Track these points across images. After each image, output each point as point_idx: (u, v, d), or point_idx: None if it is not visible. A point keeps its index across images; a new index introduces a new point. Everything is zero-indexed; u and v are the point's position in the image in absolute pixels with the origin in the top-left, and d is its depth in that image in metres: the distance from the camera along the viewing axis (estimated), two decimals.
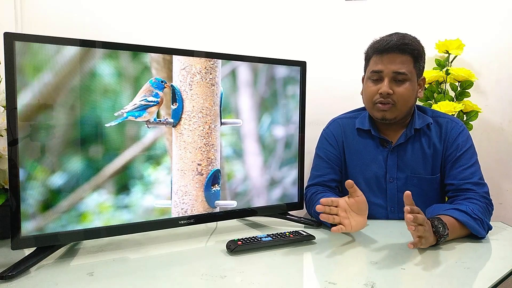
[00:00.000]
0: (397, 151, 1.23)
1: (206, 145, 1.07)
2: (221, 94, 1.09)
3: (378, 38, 1.19)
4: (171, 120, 1.03)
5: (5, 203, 0.97)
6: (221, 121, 1.10)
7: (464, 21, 1.60)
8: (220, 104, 1.09)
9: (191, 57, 1.04)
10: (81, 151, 0.91)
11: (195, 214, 1.07)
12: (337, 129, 1.31)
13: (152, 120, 0.99)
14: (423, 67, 1.21)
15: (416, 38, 1.18)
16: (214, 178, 1.09)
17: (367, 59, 1.23)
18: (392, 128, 1.24)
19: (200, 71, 1.05)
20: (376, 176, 1.24)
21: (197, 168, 1.06)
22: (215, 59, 1.07)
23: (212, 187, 1.09)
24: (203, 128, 1.06)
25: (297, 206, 1.26)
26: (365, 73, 1.25)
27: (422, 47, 1.19)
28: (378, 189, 1.24)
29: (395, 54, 1.14)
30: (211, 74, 1.06)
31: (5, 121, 0.88)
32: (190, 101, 1.04)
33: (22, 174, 0.84)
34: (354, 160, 1.28)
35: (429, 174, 1.22)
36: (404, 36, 1.16)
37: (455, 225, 1.01)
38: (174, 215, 1.05)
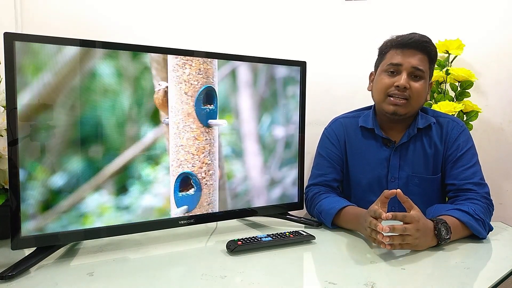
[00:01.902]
0: (400, 151, 1.23)
1: (175, 146, 1.04)
2: (199, 94, 1.04)
3: (395, 36, 1.20)
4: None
5: (5, 203, 0.97)
6: (207, 122, 1.07)
7: (464, 21, 1.60)
8: (199, 102, 1.05)
9: (169, 56, 1.02)
10: (81, 151, 0.91)
11: (195, 214, 1.07)
12: (339, 129, 1.31)
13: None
14: (433, 71, 1.23)
15: (433, 42, 1.20)
16: (183, 182, 1.05)
17: (383, 53, 1.23)
18: (395, 128, 1.24)
19: (168, 69, 1.03)
20: (378, 176, 1.24)
21: (169, 169, 1.05)
22: (182, 56, 1.03)
23: (181, 191, 1.05)
24: (172, 128, 1.04)
25: (297, 206, 1.26)
26: (375, 69, 1.26)
27: (437, 51, 1.21)
28: (379, 189, 1.24)
29: (416, 51, 1.16)
30: (177, 71, 1.03)
31: (5, 121, 0.88)
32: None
33: (22, 174, 0.84)
34: (356, 159, 1.28)
35: (430, 174, 1.21)
36: (424, 35, 1.18)
37: (458, 226, 1.01)
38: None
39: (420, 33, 1.19)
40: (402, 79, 1.15)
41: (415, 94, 1.16)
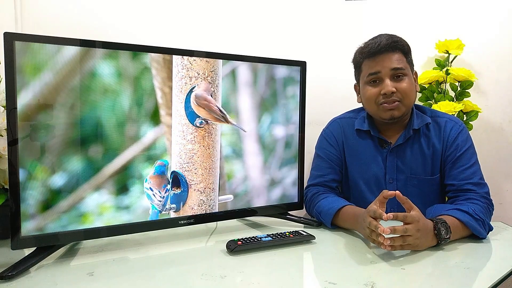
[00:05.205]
0: (396, 152, 1.22)
1: None
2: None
3: (363, 44, 1.20)
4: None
5: (5, 203, 0.97)
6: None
7: (464, 21, 1.60)
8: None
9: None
10: (81, 151, 0.91)
11: (195, 214, 1.07)
12: (337, 129, 1.31)
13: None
14: (413, 62, 1.23)
15: (400, 36, 1.20)
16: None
17: (358, 66, 1.24)
18: (391, 129, 1.24)
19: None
20: (375, 177, 1.24)
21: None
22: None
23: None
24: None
25: (297, 206, 1.26)
26: (357, 81, 1.26)
27: (407, 43, 1.21)
28: (377, 190, 1.24)
29: (388, 54, 1.15)
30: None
31: (5, 121, 0.88)
32: None
33: (22, 174, 0.84)
34: (353, 160, 1.28)
35: (428, 175, 1.21)
36: (390, 35, 1.18)
37: (458, 226, 1.01)
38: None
39: (385, 33, 1.18)
40: (387, 85, 1.15)
41: (404, 94, 1.16)
